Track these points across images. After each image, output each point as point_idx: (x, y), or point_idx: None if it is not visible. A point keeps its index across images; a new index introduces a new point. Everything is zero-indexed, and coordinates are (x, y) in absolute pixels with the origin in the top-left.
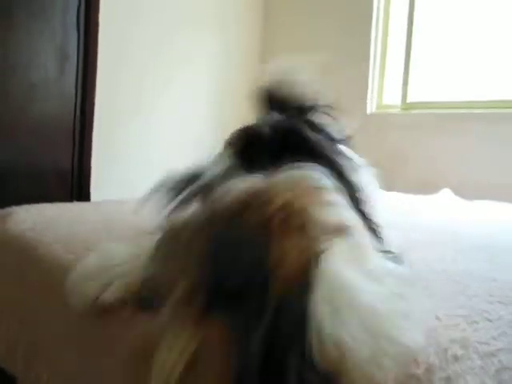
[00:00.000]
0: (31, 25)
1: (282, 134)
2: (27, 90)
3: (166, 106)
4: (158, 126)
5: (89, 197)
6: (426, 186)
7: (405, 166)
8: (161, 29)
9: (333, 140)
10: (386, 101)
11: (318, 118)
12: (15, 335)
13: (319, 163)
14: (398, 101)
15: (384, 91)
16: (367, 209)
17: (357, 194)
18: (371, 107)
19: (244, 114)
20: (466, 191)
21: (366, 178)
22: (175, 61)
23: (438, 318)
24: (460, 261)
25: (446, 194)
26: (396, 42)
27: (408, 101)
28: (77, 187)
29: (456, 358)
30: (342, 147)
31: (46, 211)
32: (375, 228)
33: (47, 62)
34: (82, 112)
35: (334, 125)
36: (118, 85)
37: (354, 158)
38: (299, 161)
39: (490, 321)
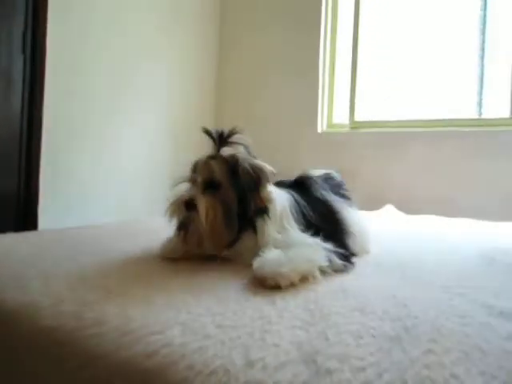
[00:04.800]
0: None
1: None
2: None
3: (119, 128)
4: (110, 151)
5: (36, 223)
6: (372, 202)
7: (353, 182)
8: (114, 52)
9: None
10: (336, 120)
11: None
12: None
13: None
14: (346, 120)
15: (334, 111)
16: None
17: (343, 227)
18: (322, 126)
19: (201, 142)
20: (410, 206)
21: (353, 213)
22: (129, 84)
23: (326, 339)
24: (374, 276)
25: (389, 209)
26: (343, 65)
27: (356, 120)
28: (23, 214)
29: (329, 373)
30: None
31: None
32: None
33: None
34: (29, 137)
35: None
36: (68, 110)
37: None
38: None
39: (373, 337)
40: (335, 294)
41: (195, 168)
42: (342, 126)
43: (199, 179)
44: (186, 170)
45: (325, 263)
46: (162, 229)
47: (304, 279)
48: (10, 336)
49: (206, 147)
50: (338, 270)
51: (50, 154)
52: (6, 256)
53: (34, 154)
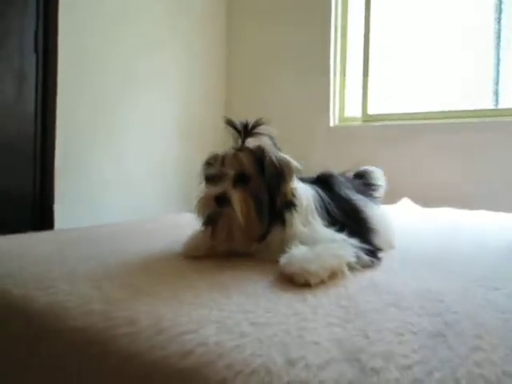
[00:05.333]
0: None
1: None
2: None
3: (131, 125)
4: (124, 147)
5: (52, 222)
6: (386, 196)
7: None
8: (124, 49)
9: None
10: (348, 114)
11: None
12: None
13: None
14: (359, 113)
15: (346, 105)
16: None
17: (368, 225)
18: (334, 120)
19: (209, 136)
20: (425, 199)
21: (376, 210)
22: (140, 80)
23: (366, 337)
24: (404, 271)
25: (405, 202)
26: (354, 58)
27: (368, 113)
28: (39, 213)
29: (375, 371)
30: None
31: None
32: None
33: (4, 85)
34: (43, 134)
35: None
36: (81, 106)
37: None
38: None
39: (414, 333)
40: (367, 290)
41: (222, 161)
42: (354, 119)
43: (230, 173)
44: (202, 164)
45: (352, 259)
46: (180, 226)
47: (333, 275)
48: (38, 336)
49: (217, 142)
50: (365, 266)
51: (62, 152)
52: (28, 256)
53: (49, 153)
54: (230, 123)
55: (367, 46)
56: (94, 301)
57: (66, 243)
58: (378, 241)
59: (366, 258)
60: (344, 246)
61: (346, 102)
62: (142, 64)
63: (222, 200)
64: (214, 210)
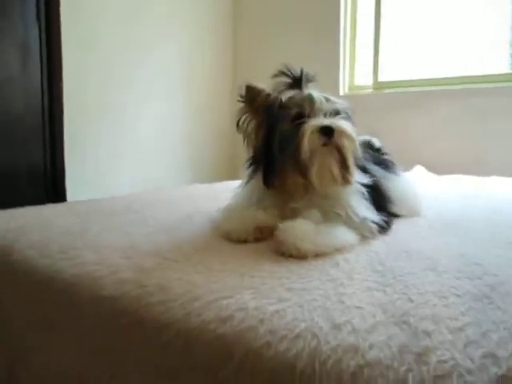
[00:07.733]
0: None
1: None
2: None
3: (137, 98)
4: (131, 119)
5: (64, 196)
6: (400, 164)
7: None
8: (128, 18)
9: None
10: (358, 82)
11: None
12: None
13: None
14: (369, 81)
15: (356, 72)
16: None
17: (385, 195)
18: (344, 89)
19: (217, 108)
20: (438, 167)
21: (396, 180)
22: (143, 51)
23: (410, 300)
24: (431, 237)
25: (419, 170)
26: (365, 23)
27: (379, 80)
28: (51, 186)
29: (427, 334)
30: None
31: (18, 216)
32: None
33: (9, 58)
34: (50, 108)
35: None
36: (86, 79)
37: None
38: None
39: (458, 296)
40: (398, 255)
41: (311, 102)
42: (364, 87)
43: (328, 108)
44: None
45: (350, 243)
46: (195, 196)
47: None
48: (67, 307)
49: (225, 115)
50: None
51: (70, 124)
52: (50, 227)
53: (58, 126)
54: (286, 72)
55: (378, 10)
56: (123, 270)
57: (86, 215)
58: (396, 210)
59: (376, 232)
60: (347, 233)
61: (356, 70)
62: (148, 34)
63: (328, 132)
64: (315, 147)
